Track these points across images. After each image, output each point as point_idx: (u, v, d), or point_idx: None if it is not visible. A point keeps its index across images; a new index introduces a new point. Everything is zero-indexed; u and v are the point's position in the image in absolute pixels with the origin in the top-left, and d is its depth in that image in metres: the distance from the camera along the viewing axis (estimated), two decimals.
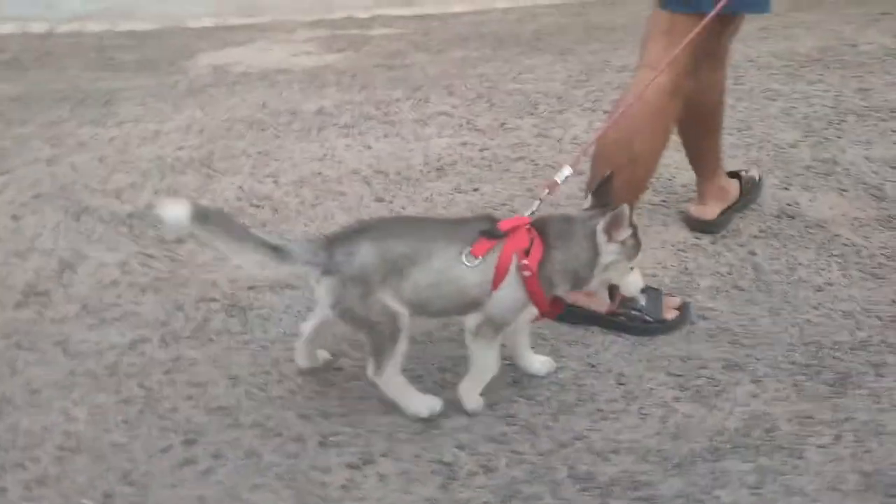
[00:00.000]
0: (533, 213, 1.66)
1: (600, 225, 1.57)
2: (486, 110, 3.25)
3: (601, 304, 1.93)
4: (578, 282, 1.63)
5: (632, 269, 1.64)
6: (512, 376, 1.77)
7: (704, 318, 1.94)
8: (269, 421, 1.67)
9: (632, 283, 1.67)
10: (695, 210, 2.36)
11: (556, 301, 1.64)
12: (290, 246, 1.55)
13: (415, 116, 3.22)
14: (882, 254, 2.16)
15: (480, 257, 1.55)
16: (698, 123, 2.18)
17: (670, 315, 1.91)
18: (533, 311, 1.62)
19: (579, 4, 4.71)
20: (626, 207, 1.54)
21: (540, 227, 1.62)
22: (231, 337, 1.94)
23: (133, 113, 3.37)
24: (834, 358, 1.79)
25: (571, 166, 1.72)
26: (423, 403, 1.65)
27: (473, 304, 1.60)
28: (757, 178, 2.48)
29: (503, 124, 3.11)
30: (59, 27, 4.72)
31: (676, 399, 1.70)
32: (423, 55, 4.00)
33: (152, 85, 3.72)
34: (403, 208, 2.51)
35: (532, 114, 3.20)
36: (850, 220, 2.33)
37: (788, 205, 2.42)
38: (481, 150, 2.89)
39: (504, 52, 3.99)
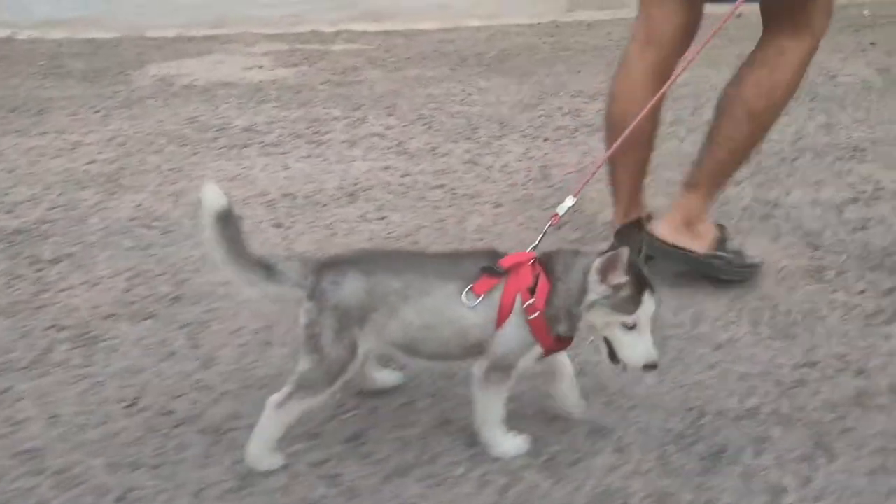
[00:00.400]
0: (535, 247, 1.57)
1: (596, 263, 1.45)
2: (422, 133, 3.15)
3: (700, 242, 2.13)
4: (572, 319, 1.49)
5: (630, 328, 1.45)
6: (352, 430, 1.65)
7: (584, 373, 1.80)
8: (75, 468, 1.55)
9: (633, 349, 1.46)
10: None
11: (561, 338, 1.52)
12: (282, 266, 1.52)
13: (345, 137, 3.13)
14: (800, 310, 1.99)
15: (482, 296, 1.47)
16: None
17: (752, 260, 2.16)
18: (538, 350, 1.51)
19: (554, 25, 4.61)
20: (625, 251, 1.41)
21: (546, 262, 1.52)
22: (68, 370, 1.82)
23: (61, 123, 3.32)
24: (714, 428, 1.62)
25: (574, 196, 1.69)
26: (270, 459, 1.53)
27: (475, 349, 1.51)
28: None
29: (434, 149, 3.00)
30: (21, 33, 4.73)
31: (526, 466, 1.54)
32: (377, 72, 3.92)
33: (91, 95, 3.68)
34: (302, 234, 2.40)
35: (468, 139, 3.09)
36: (777, 269, 2.16)
37: None
38: (402, 176, 2.78)
39: (462, 72, 3.89)
